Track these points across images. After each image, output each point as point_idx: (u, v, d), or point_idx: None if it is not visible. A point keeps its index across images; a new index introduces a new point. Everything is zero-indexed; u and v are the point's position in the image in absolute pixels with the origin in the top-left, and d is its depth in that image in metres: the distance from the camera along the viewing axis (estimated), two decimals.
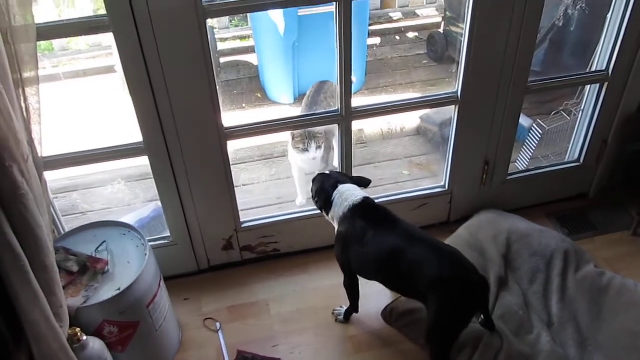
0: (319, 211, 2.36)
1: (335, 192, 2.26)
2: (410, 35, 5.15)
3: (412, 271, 2.07)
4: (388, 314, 2.44)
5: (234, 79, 4.63)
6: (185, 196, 2.49)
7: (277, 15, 3.90)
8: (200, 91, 2.21)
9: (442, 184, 2.89)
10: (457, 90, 2.53)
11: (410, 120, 3.85)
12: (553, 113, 3.22)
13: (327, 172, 2.42)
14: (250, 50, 4.81)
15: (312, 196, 2.38)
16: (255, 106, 4.32)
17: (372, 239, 2.16)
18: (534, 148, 3.22)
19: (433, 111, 3.67)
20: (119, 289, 2.01)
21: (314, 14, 3.89)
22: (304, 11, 3.88)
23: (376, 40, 5.04)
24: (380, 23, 5.26)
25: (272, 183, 3.50)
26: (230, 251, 2.76)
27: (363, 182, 2.36)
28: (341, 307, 2.53)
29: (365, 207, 2.21)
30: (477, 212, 2.91)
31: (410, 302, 2.37)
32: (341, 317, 2.52)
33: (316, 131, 2.98)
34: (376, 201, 2.27)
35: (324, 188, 2.30)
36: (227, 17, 5.00)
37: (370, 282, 2.31)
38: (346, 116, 2.44)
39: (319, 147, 2.99)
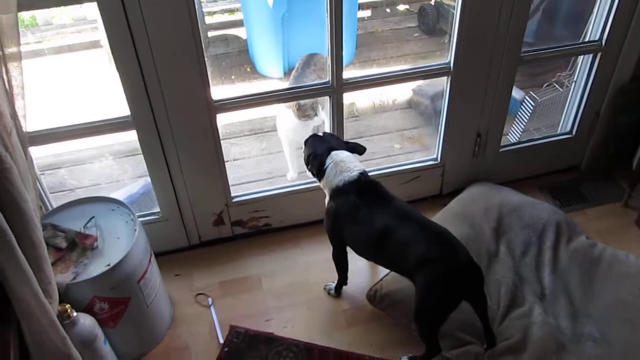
0: (310, 185, 2.32)
1: (329, 160, 2.19)
2: (401, 7, 5.09)
3: (401, 250, 2.04)
4: (372, 295, 2.42)
5: (222, 52, 4.56)
6: (174, 171, 2.46)
7: None
8: (189, 64, 2.16)
9: (434, 156, 2.87)
10: (450, 61, 2.49)
11: (402, 93, 3.82)
12: (545, 85, 3.20)
13: (320, 135, 2.33)
14: (238, 23, 4.72)
15: (304, 160, 2.30)
16: (244, 80, 4.26)
17: (364, 217, 2.12)
18: (526, 120, 3.21)
19: (425, 83, 3.64)
20: (108, 265, 1.99)
21: None
22: None
23: (367, 13, 4.98)
24: None
25: (263, 157, 3.47)
26: (221, 226, 2.74)
27: (358, 149, 2.28)
28: (332, 282, 2.52)
29: (360, 184, 2.15)
30: (469, 185, 2.90)
31: (393, 283, 2.36)
32: (332, 292, 2.52)
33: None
34: (370, 175, 2.22)
35: (316, 154, 2.22)
36: None
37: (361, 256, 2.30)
38: (337, 88, 2.40)
39: (322, 108, 3.00)
